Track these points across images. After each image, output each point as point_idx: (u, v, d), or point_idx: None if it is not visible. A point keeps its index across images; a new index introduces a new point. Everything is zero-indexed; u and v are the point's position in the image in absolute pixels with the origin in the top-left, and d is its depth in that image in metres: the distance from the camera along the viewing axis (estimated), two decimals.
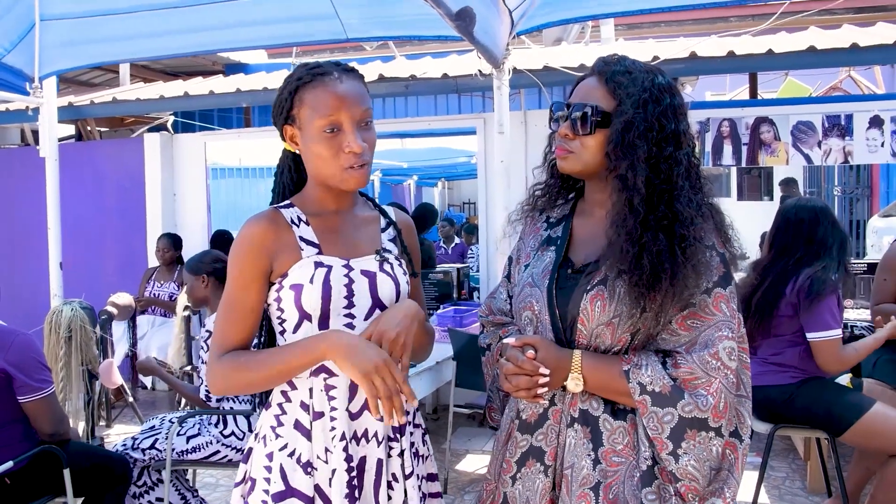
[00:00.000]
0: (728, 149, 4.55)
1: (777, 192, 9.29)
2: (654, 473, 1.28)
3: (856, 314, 3.76)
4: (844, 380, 2.84)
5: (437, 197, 17.68)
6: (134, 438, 2.97)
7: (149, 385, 5.71)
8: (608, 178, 1.35)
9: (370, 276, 1.38)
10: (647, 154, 1.29)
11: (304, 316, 1.33)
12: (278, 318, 1.37)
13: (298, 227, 1.37)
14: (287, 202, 1.42)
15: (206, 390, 2.88)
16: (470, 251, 7.90)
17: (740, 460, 1.29)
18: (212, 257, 3.09)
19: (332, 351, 1.27)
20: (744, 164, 4.58)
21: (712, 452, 1.26)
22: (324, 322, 1.34)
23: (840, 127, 4.39)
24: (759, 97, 5.70)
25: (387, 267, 1.41)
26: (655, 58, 4.20)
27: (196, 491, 3.13)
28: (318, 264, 1.34)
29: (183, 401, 3.98)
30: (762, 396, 2.78)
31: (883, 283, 3.11)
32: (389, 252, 1.44)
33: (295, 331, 1.35)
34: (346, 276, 1.36)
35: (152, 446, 2.92)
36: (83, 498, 2.70)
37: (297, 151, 1.40)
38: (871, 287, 3.71)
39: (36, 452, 2.49)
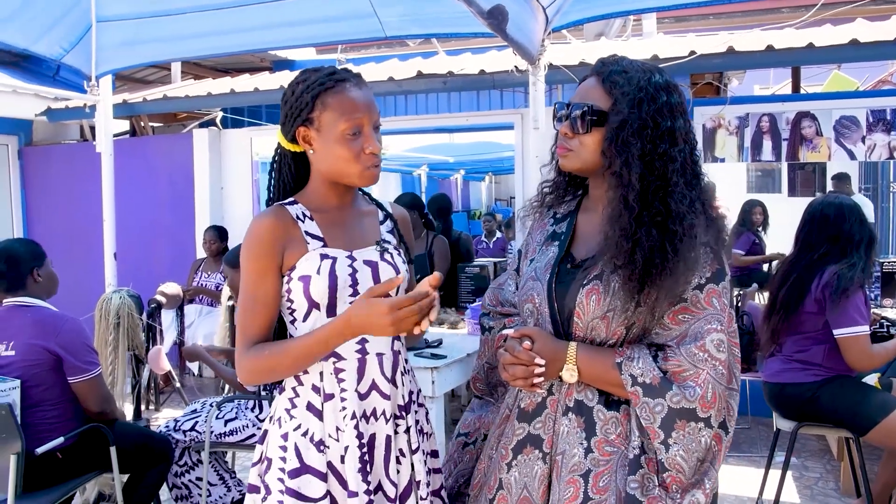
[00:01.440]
0: (767, 144, 4.49)
1: (829, 188, 9.06)
2: (640, 463, 1.32)
3: (894, 313, 3.68)
4: (872, 379, 2.80)
5: (485, 191, 17.67)
6: (176, 421, 3.13)
7: (196, 371, 5.93)
8: (605, 175, 1.39)
9: (372, 266, 1.47)
10: (642, 151, 1.32)
11: (313, 305, 1.42)
12: (288, 308, 1.46)
13: (304, 222, 1.46)
14: (290, 199, 1.50)
15: None
16: (510, 246, 7.95)
17: (722, 452, 1.33)
18: None
19: (345, 328, 1.32)
20: (783, 160, 4.51)
21: (701, 444, 1.29)
22: (331, 310, 1.42)
23: (885, 122, 4.29)
24: (801, 91, 5.58)
25: (387, 256, 1.50)
26: (692, 52, 4.17)
27: (234, 472, 3.27)
28: (323, 256, 1.43)
29: (227, 386, 4.15)
30: (786, 394, 2.77)
31: None
32: (388, 243, 1.53)
33: (305, 319, 1.44)
34: (350, 266, 1.44)
35: (193, 428, 3.07)
36: (128, 474, 2.87)
37: (310, 151, 1.46)
38: None
39: (85, 430, 2.67)
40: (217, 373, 3.26)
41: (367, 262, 1.47)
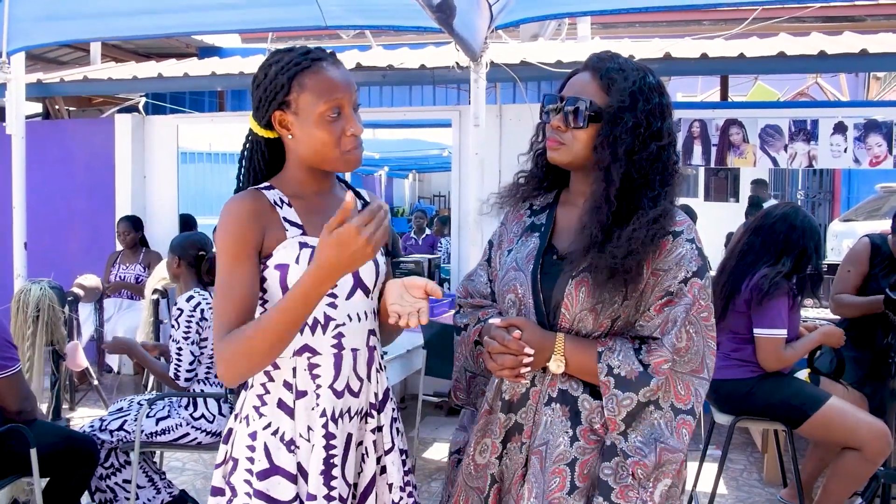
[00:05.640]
0: (698, 149, 4.64)
1: (743, 194, 9.52)
2: (616, 451, 1.34)
3: (816, 312, 3.88)
4: (803, 375, 2.94)
5: (408, 189, 17.61)
6: (102, 420, 2.95)
7: (115, 368, 5.64)
8: (592, 170, 1.40)
9: None
10: (633, 149, 1.35)
11: None
12: (259, 298, 1.37)
13: (281, 208, 1.38)
14: (266, 184, 1.41)
15: (175, 371, 2.88)
16: (439, 243, 7.93)
17: (689, 436, 1.36)
18: (192, 242, 3.09)
19: (323, 272, 1.20)
20: (713, 165, 4.68)
21: (654, 426, 1.33)
22: None
23: (806, 132, 4.51)
24: (729, 100, 5.82)
25: None
26: (631, 57, 4.26)
27: (163, 473, 3.11)
28: (302, 245, 1.36)
29: (150, 385, 3.96)
30: (724, 389, 2.87)
31: (846, 274, 3.22)
32: None
33: None
34: None
35: (121, 428, 2.90)
36: (49, 479, 2.68)
37: (288, 136, 1.37)
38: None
39: (1, 431, 2.46)
40: (148, 368, 3.10)
41: None
